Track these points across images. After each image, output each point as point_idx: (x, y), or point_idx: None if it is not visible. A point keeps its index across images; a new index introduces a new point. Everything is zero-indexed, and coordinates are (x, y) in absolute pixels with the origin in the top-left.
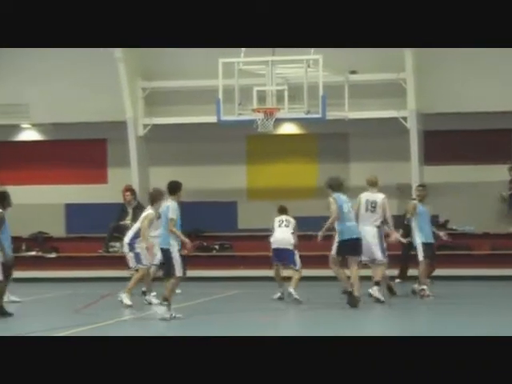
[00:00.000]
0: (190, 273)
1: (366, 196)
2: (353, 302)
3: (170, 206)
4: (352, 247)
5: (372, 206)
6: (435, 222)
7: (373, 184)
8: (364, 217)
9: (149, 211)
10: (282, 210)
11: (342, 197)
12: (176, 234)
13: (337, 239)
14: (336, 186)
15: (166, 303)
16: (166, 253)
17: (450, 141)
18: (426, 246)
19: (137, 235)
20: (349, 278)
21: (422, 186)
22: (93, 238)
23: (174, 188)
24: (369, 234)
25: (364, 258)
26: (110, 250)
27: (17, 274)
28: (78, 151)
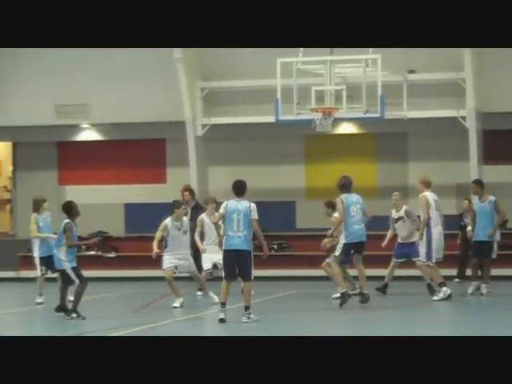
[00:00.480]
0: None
1: (431, 196)
2: (365, 299)
3: (251, 205)
4: (357, 249)
5: (438, 205)
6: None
7: (429, 185)
8: (437, 217)
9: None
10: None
11: (352, 198)
12: (258, 234)
13: (342, 241)
14: (345, 186)
15: (249, 311)
16: (247, 255)
17: (509, 140)
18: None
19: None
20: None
21: (475, 181)
22: (152, 237)
23: (240, 187)
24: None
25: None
26: None
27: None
28: (138, 151)
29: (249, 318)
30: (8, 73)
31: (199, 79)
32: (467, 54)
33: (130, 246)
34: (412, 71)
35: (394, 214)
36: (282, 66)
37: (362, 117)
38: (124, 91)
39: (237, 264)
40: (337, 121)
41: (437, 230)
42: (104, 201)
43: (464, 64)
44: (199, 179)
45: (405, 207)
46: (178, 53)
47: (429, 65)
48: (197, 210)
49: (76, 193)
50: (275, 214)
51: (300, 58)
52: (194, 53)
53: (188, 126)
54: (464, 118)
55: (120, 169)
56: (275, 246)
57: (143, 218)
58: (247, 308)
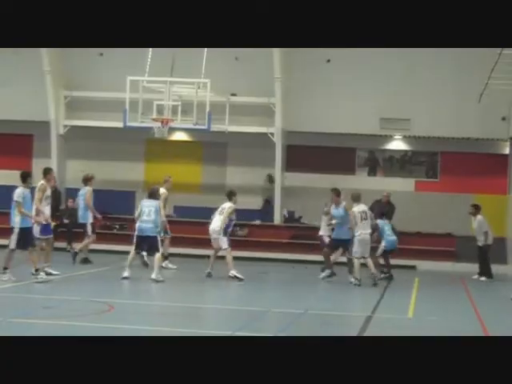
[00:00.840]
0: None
1: (358, 209)
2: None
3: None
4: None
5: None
6: None
7: (356, 199)
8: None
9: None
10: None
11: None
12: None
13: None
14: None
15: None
16: None
17: (306, 153)
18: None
19: None
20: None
21: (333, 190)
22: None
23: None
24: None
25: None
26: None
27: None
28: (9, 143)
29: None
30: None
31: (63, 88)
32: (277, 83)
33: None
34: (234, 94)
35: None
36: (131, 82)
37: (192, 128)
38: (2, 92)
39: None
40: (172, 129)
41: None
42: None
43: (275, 91)
44: (59, 169)
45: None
46: (47, 65)
47: (247, 90)
48: (55, 193)
49: None
50: (118, 201)
51: (146, 77)
52: (61, 65)
53: (52, 125)
54: (272, 134)
55: None
56: (117, 226)
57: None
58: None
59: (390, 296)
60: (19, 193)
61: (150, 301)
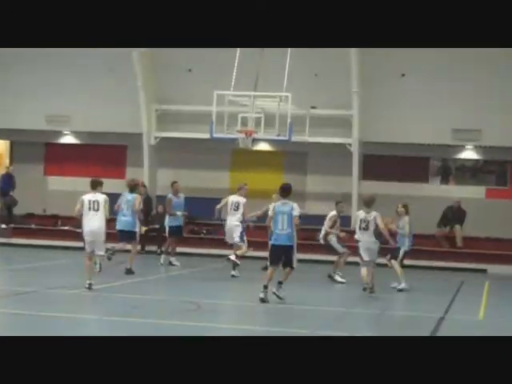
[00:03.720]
0: (184, 249)
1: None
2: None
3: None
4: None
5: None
6: None
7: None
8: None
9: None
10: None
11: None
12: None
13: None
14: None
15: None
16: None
17: (381, 163)
18: None
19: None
20: None
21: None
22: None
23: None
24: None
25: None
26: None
27: (52, 242)
28: (105, 154)
29: (278, 290)
30: None
31: (155, 102)
32: (355, 96)
33: None
34: (314, 107)
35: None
36: (218, 96)
37: (275, 138)
38: (99, 106)
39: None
40: (256, 140)
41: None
42: (77, 189)
43: (352, 104)
44: (150, 178)
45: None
46: (140, 81)
47: (326, 103)
48: (147, 200)
49: (57, 182)
50: (205, 207)
51: (231, 91)
52: (152, 81)
53: (144, 137)
54: (350, 144)
55: (91, 166)
56: (204, 231)
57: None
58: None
59: (461, 299)
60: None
61: (236, 300)
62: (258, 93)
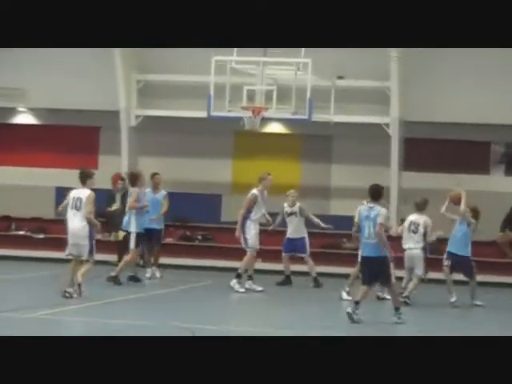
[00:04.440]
0: (172, 260)
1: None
2: None
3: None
4: None
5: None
6: None
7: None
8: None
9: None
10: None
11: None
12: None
13: None
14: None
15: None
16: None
17: (428, 148)
18: None
19: None
20: None
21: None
22: None
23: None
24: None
25: None
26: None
27: (4, 252)
28: (72, 137)
29: (399, 318)
30: None
31: (135, 71)
32: (394, 63)
33: (58, 229)
34: (340, 77)
35: (288, 208)
36: (217, 63)
37: (290, 118)
38: (62, 78)
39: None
40: (265, 120)
41: None
42: (35, 183)
43: (391, 73)
44: (130, 168)
45: (299, 204)
46: None
47: (357, 72)
48: (126, 196)
49: (10, 173)
50: (202, 206)
51: (234, 57)
52: None
53: (122, 115)
54: (387, 125)
55: (54, 153)
56: (199, 237)
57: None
58: (397, 309)
59: None
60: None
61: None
62: (268, 58)
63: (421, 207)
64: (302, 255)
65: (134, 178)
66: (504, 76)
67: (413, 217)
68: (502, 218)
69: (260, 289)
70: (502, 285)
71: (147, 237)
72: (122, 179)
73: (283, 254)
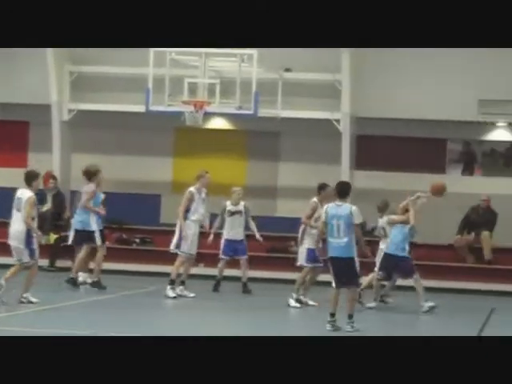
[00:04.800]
0: (109, 265)
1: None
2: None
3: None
4: None
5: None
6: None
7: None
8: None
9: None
10: None
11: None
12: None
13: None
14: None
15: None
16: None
17: (381, 146)
18: None
19: None
20: None
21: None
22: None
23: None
24: None
25: None
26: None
27: None
28: None
29: (352, 326)
30: None
31: (68, 62)
32: (345, 55)
33: None
34: (288, 70)
35: (231, 207)
36: (155, 54)
37: (235, 113)
38: None
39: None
40: (208, 115)
41: None
42: None
43: (342, 66)
44: (62, 166)
45: (243, 203)
46: None
47: (305, 64)
48: (58, 196)
49: None
50: (140, 207)
51: (174, 48)
52: None
53: (54, 109)
54: (338, 121)
55: None
56: (137, 240)
57: (1, 202)
58: (350, 316)
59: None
60: None
61: None
62: (211, 49)
63: (382, 210)
64: (242, 258)
65: (92, 175)
66: (461, 71)
67: (380, 223)
68: (460, 220)
69: (192, 295)
70: (459, 291)
71: (81, 239)
72: (54, 178)
73: (222, 257)
